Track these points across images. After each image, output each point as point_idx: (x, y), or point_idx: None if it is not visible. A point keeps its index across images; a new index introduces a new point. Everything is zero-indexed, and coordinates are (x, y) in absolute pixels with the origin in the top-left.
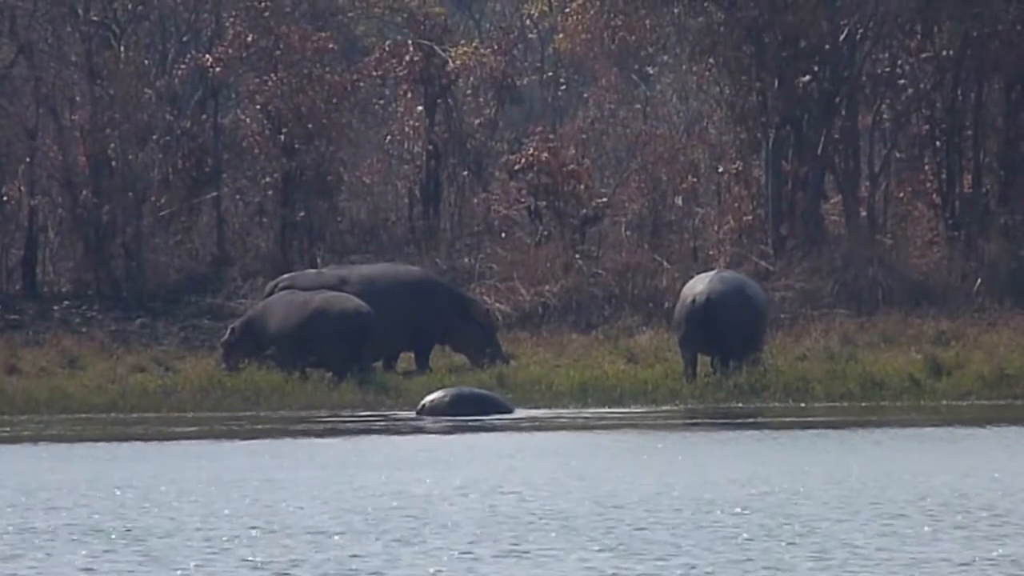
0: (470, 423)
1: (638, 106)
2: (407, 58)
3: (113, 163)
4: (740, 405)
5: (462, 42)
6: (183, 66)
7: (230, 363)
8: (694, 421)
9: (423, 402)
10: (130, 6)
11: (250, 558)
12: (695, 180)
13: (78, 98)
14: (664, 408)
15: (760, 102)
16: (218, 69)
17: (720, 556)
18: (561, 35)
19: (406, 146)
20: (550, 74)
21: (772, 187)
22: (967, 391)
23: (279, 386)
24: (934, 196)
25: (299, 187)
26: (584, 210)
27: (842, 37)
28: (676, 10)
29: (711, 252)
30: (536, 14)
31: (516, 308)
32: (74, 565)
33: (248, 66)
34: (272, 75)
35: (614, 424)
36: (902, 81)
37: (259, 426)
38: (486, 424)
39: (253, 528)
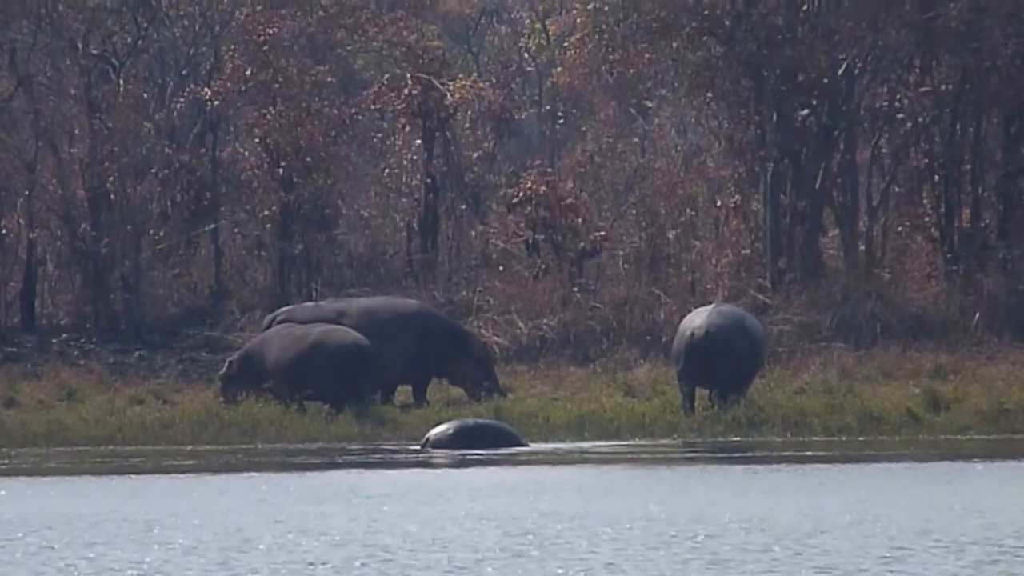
0: (474, 457)
1: (636, 140)
2: (405, 92)
3: (112, 196)
4: (738, 439)
5: (460, 76)
6: (182, 99)
7: (228, 396)
8: (692, 455)
9: (428, 435)
10: (129, 39)
11: None
12: (693, 214)
13: (77, 131)
14: (662, 442)
15: (758, 136)
16: (217, 102)
17: None
18: (559, 69)
19: (404, 179)
20: (548, 108)
21: (770, 221)
22: (966, 425)
23: (277, 419)
24: (933, 230)
25: (297, 220)
26: (582, 243)
27: (840, 71)
28: (674, 44)
29: (709, 286)
30: (534, 48)
31: (514, 341)
32: None
33: (247, 99)
34: (271, 108)
35: (614, 458)
36: (901, 115)
37: (257, 459)
38: (489, 458)
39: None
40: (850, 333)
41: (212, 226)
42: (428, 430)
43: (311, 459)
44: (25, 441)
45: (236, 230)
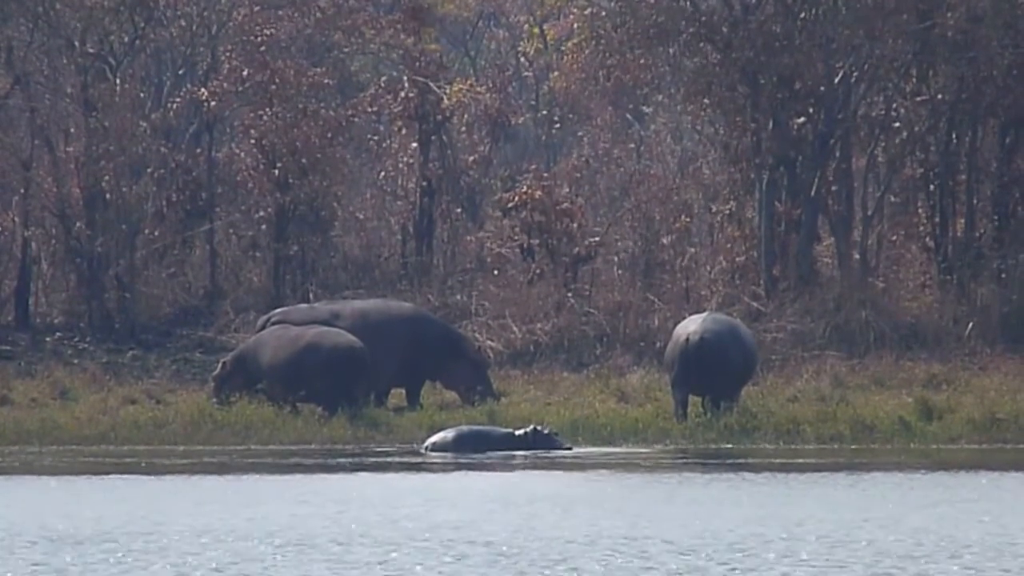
0: (470, 462)
1: (632, 145)
2: (402, 95)
3: (107, 195)
4: (730, 446)
5: (457, 79)
6: (178, 99)
7: (221, 397)
8: (684, 461)
9: (427, 442)
10: (126, 39)
11: None
12: (688, 220)
13: (73, 130)
14: (655, 448)
15: (754, 143)
16: (213, 103)
17: None
18: (556, 74)
19: (400, 182)
20: (544, 112)
21: (765, 228)
22: (958, 435)
23: (270, 420)
24: (927, 239)
25: (292, 222)
26: (577, 249)
27: (837, 79)
28: (671, 50)
29: (703, 292)
30: (531, 52)
31: (508, 346)
32: None
33: (243, 100)
34: (267, 110)
35: (607, 464)
36: (897, 124)
37: (249, 460)
38: (484, 463)
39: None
40: (843, 341)
41: (207, 226)
42: (423, 434)
43: (304, 461)
44: (18, 439)
45: (231, 231)
